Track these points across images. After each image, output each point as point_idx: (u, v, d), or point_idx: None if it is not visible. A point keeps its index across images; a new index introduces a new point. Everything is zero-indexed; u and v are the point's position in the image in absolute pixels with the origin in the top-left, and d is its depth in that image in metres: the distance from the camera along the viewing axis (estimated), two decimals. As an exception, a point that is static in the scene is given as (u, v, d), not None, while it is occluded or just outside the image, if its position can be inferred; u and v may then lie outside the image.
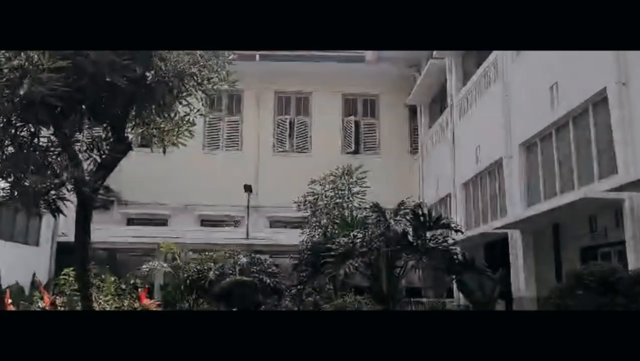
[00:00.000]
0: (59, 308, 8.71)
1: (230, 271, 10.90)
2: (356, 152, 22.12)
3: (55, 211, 5.64)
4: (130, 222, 21.89)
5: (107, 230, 17.31)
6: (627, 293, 6.79)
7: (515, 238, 11.63)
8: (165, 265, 12.49)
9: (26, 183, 4.91)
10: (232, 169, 19.56)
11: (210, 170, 21.75)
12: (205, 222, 22.64)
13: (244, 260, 11.50)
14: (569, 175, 9.58)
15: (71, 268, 9.38)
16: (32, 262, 16.90)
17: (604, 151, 8.80)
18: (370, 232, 7.91)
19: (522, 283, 11.13)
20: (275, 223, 22.61)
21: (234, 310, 8.06)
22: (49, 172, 5.13)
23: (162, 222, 22.16)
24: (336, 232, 9.08)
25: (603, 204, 8.58)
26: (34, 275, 16.58)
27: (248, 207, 20.67)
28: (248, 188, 20.33)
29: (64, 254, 19.16)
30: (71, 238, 19.80)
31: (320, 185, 13.25)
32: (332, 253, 7.74)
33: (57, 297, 9.48)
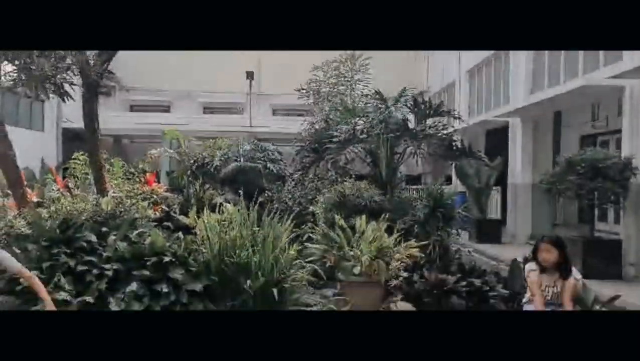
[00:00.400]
0: (71, 190, 9.06)
1: (235, 158, 11.18)
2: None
3: (64, 95, 5.71)
4: (133, 108, 21.95)
5: (111, 116, 17.40)
6: (615, 178, 7.09)
7: (516, 126, 11.75)
8: (170, 151, 12.80)
9: (32, 67, 4.93)
10: (234, 55, 19.07)
11: (212, 56, 21.31)
12: (207, 109, 22.69)
13: (247, 147, 11.74)
14: (574, 62, 9.43)
15: (81, 153, 9.70)
16: (38, 148, 17.23)
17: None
18: (370, 119, 8.01)
19: (519, 170, 11.47)
20: (277, 111, 22.65)
21: (240, 195, 8.38)
22: (53, 56, 5.12)
23: (164, 108, 22.23)
24: (338, 118, 9.17)
25: (605, 91, 8.57)
26: (42, 160, 17.03)
27: (250, 94, 20.58)
28: (250, 75, 20.09)
29: (69, 140, 19.55)
30: (75, 124, 20.06)
31: (323, 71, 13.09)
32: (334, 139, 7.93)
33: (68, 180, 9.91)
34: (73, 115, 19.65)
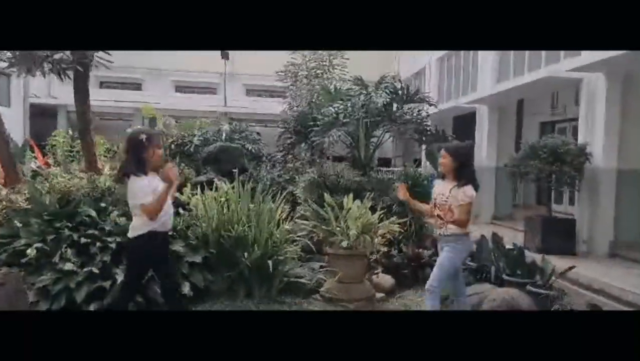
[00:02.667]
0: (52, 167, 9.10)
1: (214, 138, 11.37)
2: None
3: (63, 74, 5.82)
4: (102, 85, 21.57)
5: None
6: (572, 163, 7.78)
7: (483, 112, 12.37)
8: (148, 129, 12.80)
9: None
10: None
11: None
12: (180, 88, 22.53)
13: (226, 127, 11.94)
14: (537, 54, 10.06)
15: (63, 130, 9.71)
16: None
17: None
18: (352, 104, 8.39)
19: (485, 154, 12.14)
20: (251, 91, 22.71)
21: (220, 176, 8.60)
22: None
23: (135, 86, 21.94)
24: (321, 101, 9.51)
25: (564, 82, 9.22)
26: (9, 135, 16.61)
27: (225, 74, 20.56)
28: (225, 55, 20.04)
29: (36, 115, 19.12)
30: (43, 99, 19.52)
31: (302, 54, 13.34)
32: (318, 122, 8.29)
33: (49, 157, 9.92)
34: (40, 90, 19.23)
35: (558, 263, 6.56)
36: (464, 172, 4.15)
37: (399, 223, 5.98)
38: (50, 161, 9.75)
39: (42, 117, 19.55)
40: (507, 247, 6.55)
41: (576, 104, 9.64)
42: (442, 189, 4.22)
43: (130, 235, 3.85)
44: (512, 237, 8.30)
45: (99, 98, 19.65)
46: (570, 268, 5.93)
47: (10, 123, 17.47)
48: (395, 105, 8.45)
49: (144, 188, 3.73)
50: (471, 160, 4.47)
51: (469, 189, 4.07)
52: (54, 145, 9.73)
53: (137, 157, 3.78)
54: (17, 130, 18.06)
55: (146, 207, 3.72)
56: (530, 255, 6.74)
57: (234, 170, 6.16)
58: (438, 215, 4.19)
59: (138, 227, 3.80)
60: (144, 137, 3.79)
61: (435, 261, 6.39)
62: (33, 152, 10.00)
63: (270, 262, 5.14)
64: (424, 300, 5.65)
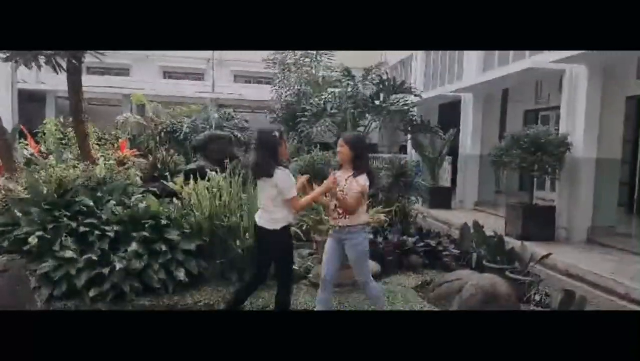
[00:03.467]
0: (44, 155, 9.19)
1: (203, 125, 11.51)
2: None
3: (58, 66, 5.91)
4: (90, 70, 21.36)
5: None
6: (553, 153, 8.06)
7: (468, 101, 12.58)
8: (137, 117, 12.91)
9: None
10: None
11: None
12: (167, 73, 22.44)
13: (215, 115, 12.06)
14: (522, 44, 10.25)
15: (57, 118, 9.77)
16: (-9, 109, 16.68)
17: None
18: (339, 93, 8.56)
19: (469, 142, 12.40)
20: (239, 77, 22.70)
21: (210, 163, 8.70)
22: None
23: (122, 72, 21.79)
24: (308, 93, 9.67)
25: (548, 72, 9.46)
26: (-1, 121, 16.55)
27: (213, 59, 20.52)
28: (212, 41, 19.99)
29: (24, 100, 18.97)
30: (30, 85, 19.27)
31: (289, 42, 13.39)
32: (306, 113, 8.47)
33: (40, 145, 9.98)
34: (28, 75, 19.02)
35: (537, 249, 6.88)
36: (359, 162, 4.13)
37: (384, 212, 6.23)
38: (43, 148, 9.82)
39: (30, 102, 19.40)
40: (488, 233, 6.85)
41: (559, 92, 9.88)
42: (339, 178, 4.15)
43: (273, 227, 3.91)
44: (494, 223, 8.61)
45: (86, 84, 19.66)
46: (547, 255, 6.24)
47: (-2, 108, 17.48)
48: (381, 96, 8.63)
49: (293, 181, 3.94)
50: (367, 150, 4.46)
51: (362, 178, 4.04)
52: (45, 133, 9.79)
53: (274, 153, 3.92)
54: (6, 116, 17.95)
55: (296, 200, 3.92)
56: (511, 242, 7.06)
57: (225, 161, 6.33)
58: (335, 206, 4.12)
59: (282, 219, 3.93)
60: (277, 134, 3.96)
61: (420, 247, 6.76)
62: (24, 138, 10.04)
63: (262, 249, 5.35)
64: (409, 283, 5.97)
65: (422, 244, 6.83)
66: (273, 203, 3.93)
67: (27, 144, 9.40)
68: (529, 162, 8.09)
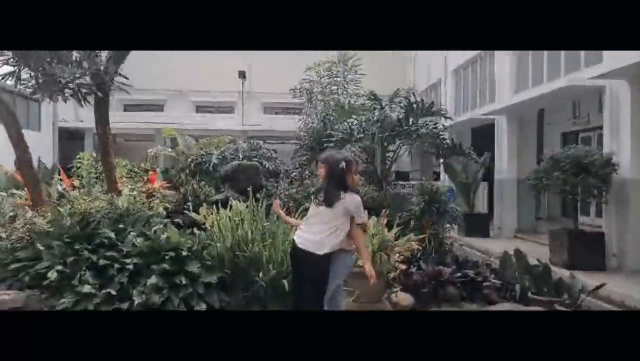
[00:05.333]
0: (76, 189, 9.27)
1: (232, 156, 11.47)
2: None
3: (83, 99, 5.96)
4: (126, 108, 22.05)
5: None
6: (597, 174, 7.55)
7: (502, 123, 12.19)
8: (169, 149, 13.05)
9: (51, 74, 5.19)
10: (226, 54, 19.32)
11: (204, 54, 21.65)
12: (200, 108, 22.91)
13: (244, 145, 12.04)
14: (556, 62, 9.90)
15: (89, 153, 9.92)
16: (34, 147, 17.26)
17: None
18: (366, 119, 8.36)
19: (505, 166, 11.94)
20: (268, 109, 22.93)
21: (240, 192, 8.64)
22: (71, 62, 5.37)
23: (158, 107, 22.38)
24: (334, 118, 9.52)
25: (586, 90, 9.02)
26: (39, 159, 17.13)
27: (242, 92, 20.82)
28: (242, 75, 20.34)
29: (64, 139, 19.68)
30: (70, 123, 20.02)
31: (316, 72, 13.43)
32: (332, 139, 8.27)
33: (74, 179, 10.13)
34: (68, 114, 19.79)
35: (586, 279, 6.33)
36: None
37: (416, 240, 5.87)
38: (76, 183, 9.94)
39: (70, 140, 20.12)
40: (532, 263, 6.35)
41: (600, 111, 9.40)
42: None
43: (321, 251, 3.82)
44: (536, 251, 8.08)
45: (123, 120, 20.23)
46: (601, 285, 5.69)
47: (40, 146, 18.14)
48: (410, 119, 8.38)
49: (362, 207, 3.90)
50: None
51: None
52: (79, 167, 9.95)
53: (340, 182, 3.86)
54: (48, 154, 18.60)
55: (359, 228, 3.90)
56: (557, 271, 6.53)
57: (249, 189, 6.16)
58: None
59: (334, 245, 3.85)
60: (344, 164, 3.86)
61: (457, 278, 6.32)
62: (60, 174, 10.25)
63: (285, 282, 5.09)
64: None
65: (459, 274, 6.38)
66: (328, 227, 3.82)
67: (60, 179, 9.53)
68: (572, 184, 7.62)
